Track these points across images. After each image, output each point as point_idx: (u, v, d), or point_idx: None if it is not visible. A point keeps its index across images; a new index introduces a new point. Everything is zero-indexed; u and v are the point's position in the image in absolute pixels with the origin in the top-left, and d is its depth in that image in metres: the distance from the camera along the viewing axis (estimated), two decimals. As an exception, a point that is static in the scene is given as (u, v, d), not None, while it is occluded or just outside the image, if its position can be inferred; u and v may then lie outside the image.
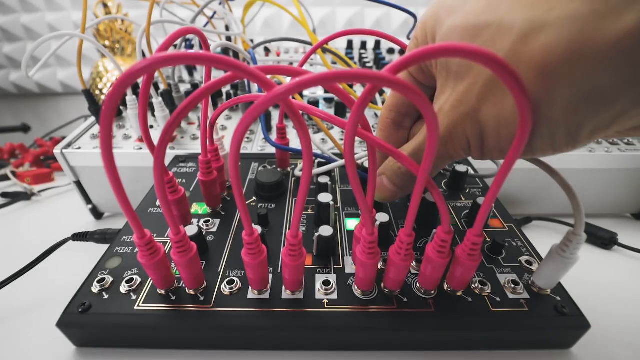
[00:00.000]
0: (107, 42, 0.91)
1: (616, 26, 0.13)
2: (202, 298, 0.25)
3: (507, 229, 0.32)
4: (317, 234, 0.28)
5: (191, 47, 0.75)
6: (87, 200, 0.48)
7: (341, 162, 0.36)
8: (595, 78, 0.15)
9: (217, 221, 0.33)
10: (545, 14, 0.15)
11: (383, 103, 0.50)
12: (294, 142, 0.44)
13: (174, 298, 0.25)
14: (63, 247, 0.35)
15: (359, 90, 0.55)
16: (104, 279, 0.26)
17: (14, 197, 0.54)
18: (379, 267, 0.27)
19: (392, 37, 0.31)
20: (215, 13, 0.65)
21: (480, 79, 0.18)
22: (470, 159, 0.42)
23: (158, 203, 0.35)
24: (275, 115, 0.52)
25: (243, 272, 0.27)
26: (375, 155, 0.20)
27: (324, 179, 0.34)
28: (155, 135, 0.46)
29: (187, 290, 0.25)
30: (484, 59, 0.12)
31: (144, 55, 0.53)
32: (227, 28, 0.73)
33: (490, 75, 0.17)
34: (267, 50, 0.81)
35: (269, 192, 0.35)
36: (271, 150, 0.45)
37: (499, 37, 0.16)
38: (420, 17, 0.22)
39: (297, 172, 0.39)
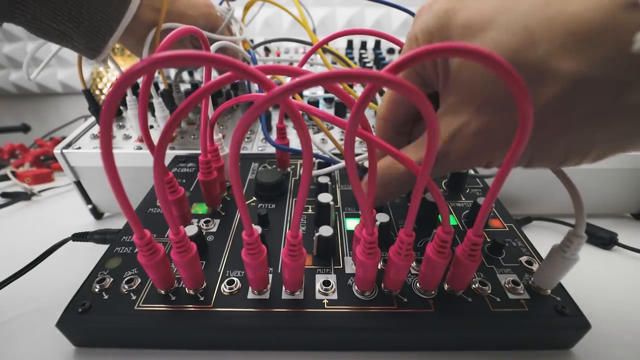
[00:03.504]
0: (107, 42, 0.90)
1: None
2: (202, 298, 0.25)
3: (507, 229, 0.32)
4: (317, 234, 0.28)
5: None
6: (87, 200, 0.48)
7: (341, 163, 0.36)
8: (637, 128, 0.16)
9: (217, 221, 0.33)
10: (596, 70, 0.15)
11: (383, 103, 0.50)
12: (294, 142, 0.44)
13: (174, 298, 0.25)
14: (63, 247, 0.35)
15: (359, 90, 0.55)
16: (104, 279, 0.26)
17: (14, 197, 0.54)
18: (379, 267, 0.27)
19: (392, 37, 0.31)
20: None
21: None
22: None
23: (158, 203, 0.35)
24: (275, 115, 0.52)
25: (243, 272, 0.27)
26: (375, 155, 0.20)
27: (324, 179, 0.34)
28: (155, 135, 0.46)
29: (187, 291, 0.25)
30: (487, 60, 0.12)
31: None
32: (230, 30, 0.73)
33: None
34: (267, 50, 0.81)
35: (269, 192, 0.35)
36: (271, 150, 0.45)
37: (541, 83, 0.16)
38: (420, 27, 0.20)
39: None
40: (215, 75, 0.61)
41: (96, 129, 0.48)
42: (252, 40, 0.77)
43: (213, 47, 0.32)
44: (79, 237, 0.36)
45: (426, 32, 0.20)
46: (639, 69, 0.14)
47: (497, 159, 0.19)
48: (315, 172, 0.35)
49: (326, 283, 0.26)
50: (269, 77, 0.16)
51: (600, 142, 0.17)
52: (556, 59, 0.15)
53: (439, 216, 0.21)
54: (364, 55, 0.71)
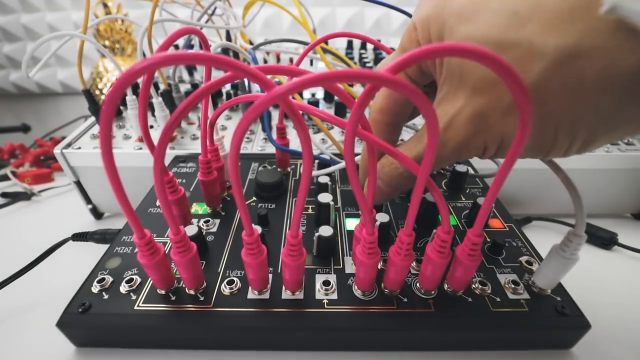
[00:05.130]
0: (107, 42, 0.91)
1: (636, 57, 0.15)
2: (202, 298, 0.25)
3: (507, 229, 0.32)
4: (317, 234, 0.28)
5: (191, 47, 0.75)
6: (87, 200, 0.48)
7: (342, 164, 0.36)
8: (619, 102, 0.16)
9: (217, 221, 0.33)
10: (579, 43, 0.15)
11: (383, 103, 0.50)
12: (294, 142, 0.44)
13: (174, 298, 0.25)
14: (63, 247, 0.35)
15: (358, 90, 0.55)
16: (104, 279, 0.26)
17: (14, 197, 0.54)
18: (379, 267, 0.27)
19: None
20: (215, 9, 0.65)
21: (507, 95, 0.18)
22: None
23: (158, 203, 0.35)
24: (275, 115, 0.52)
25: (243, 272, 0.27)
26: (375, 155, 0.20)
27: (324, 179, 0.34)
28: (155, 135, 0.46)
29: (187, 290, 0.25)
30: (489, 60, 0.12)
31: (144, 55, 0.53)
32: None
33: None
34: (267, 52, 0.81)
35: (269, 192, 0.35)
36: (271, 150, 0.45)
37: (529, 60, 0.16)
38: (418, 16, 0.21)
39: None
40: (216, 75, 0.61)
41: (96, 129, 0.48)
42: (250, 43, 0.77)
43: (213, 47, 0.32)
44: (79, 237, 0.36)
45: (424, 19, 0.21)
46: (604, 34, 0.15)
47: (493, 144, 0.19)
48: (315, 172, 0.35)
49: (326, 283, 0.26)
50: (269, 77, 0.16)
51: (587, 123, 0.17)
52: (542, 36, 0.16)
53: (439, 216, 0.21)
54: (364, 55, 0.71)
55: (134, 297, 0.25)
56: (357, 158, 0.35)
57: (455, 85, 0.20)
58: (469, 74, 0.19)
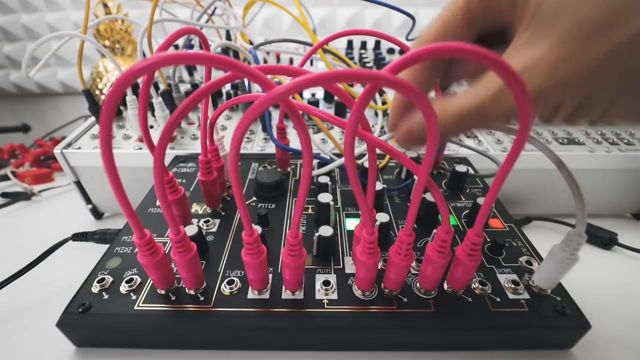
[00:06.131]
0: (107, 42, 0.90)
1: None
2: (202, 298, 0.25)
3: (507, 229, 0.32)
4: (317, 234, 0.28)
5: (191, 47, 0.75)
6: (87, 200, 0.48)
7: (341, 160, 0.36)
8: None
9: (217, 221, 0.33)
10: None
11: (383, 103, 0.50)
12: (294, 142, 0.44)
13: (173, 298, 0.25)
14: (63, 247, 0.35)
15: (358, 90, 0.55)
16: (104, 279, 0.26)
17: (14, 197, 0.54)
18: (379, 267, 0.27)
19: (391, 37, 0.31)
20: (215, 9, 0.65)
21: (603, 46, 0.16)
22: (469, 158, 0.42)
23: (158, 203, 0.35)
24: (275, 115, 0.53)
25: (243, 272, 0.27)
26: (375, 155, 0.20)
27: (324, 179, 0.34)
28: (155, 135, 0.46)
29: (187, 290, 0.25)
30: (491, 62, 0.12)
31: (144, 55, 0.52)
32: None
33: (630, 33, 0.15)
34: (267, 52, 0.81)
35: (269, 192, 0.35)
36: (271, 150, 0.45)
37: None
38: None
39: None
40: (216, 75, 0.61)
41: (96, 129, 0.48)
42: (251, 43, 0.77)
43: (213, 46, 0.32)
44: (79, 237, 0.36)
45: None
46: None
47: (571, 103, 0.17)
48: (315, 172, 0.35)
49: (326, 283, 0.26)
50: (268, 77, 0.16)
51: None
52: None
53: (439, 216, 0.21)
54: (364, 55, 0.71)
55: (134, 297, 0.25)
56: (357, 151, 0.35)
57: (543, 29, 0.17)
58: (564, 16, 0.16)
